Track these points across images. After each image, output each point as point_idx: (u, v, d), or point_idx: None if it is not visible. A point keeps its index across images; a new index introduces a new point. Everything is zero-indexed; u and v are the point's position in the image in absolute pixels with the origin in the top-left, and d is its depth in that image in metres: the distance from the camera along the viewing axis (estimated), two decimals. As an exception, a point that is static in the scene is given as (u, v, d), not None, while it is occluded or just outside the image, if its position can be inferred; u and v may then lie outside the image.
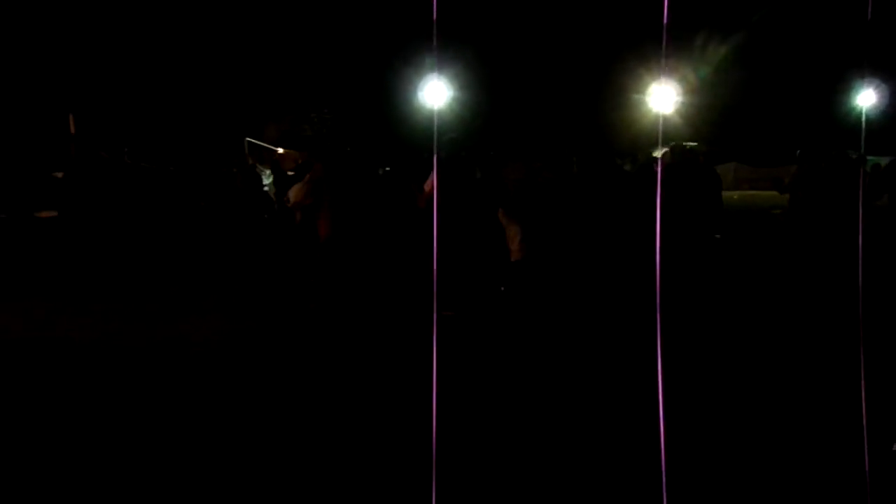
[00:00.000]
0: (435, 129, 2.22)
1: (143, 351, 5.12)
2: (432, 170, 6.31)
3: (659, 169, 4.98)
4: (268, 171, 12.35)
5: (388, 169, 9.22)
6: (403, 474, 3.09)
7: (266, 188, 11.76)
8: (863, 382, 2.10)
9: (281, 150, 16.77)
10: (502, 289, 6.26)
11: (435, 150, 2.37)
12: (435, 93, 2.25)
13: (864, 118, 2.56)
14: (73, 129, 15.44)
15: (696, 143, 9.40)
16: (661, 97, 2.65)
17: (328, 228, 6.26)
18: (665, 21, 2.12)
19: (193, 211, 10.99)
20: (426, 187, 6.02)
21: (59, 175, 12.00)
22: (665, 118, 2.63)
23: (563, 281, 6.12)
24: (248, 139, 17.21)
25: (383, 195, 6.86)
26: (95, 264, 8.35)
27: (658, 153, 6.80)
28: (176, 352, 5.09)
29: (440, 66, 2.24)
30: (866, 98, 2.54)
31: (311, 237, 6.35)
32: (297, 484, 3.08)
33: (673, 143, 7.24)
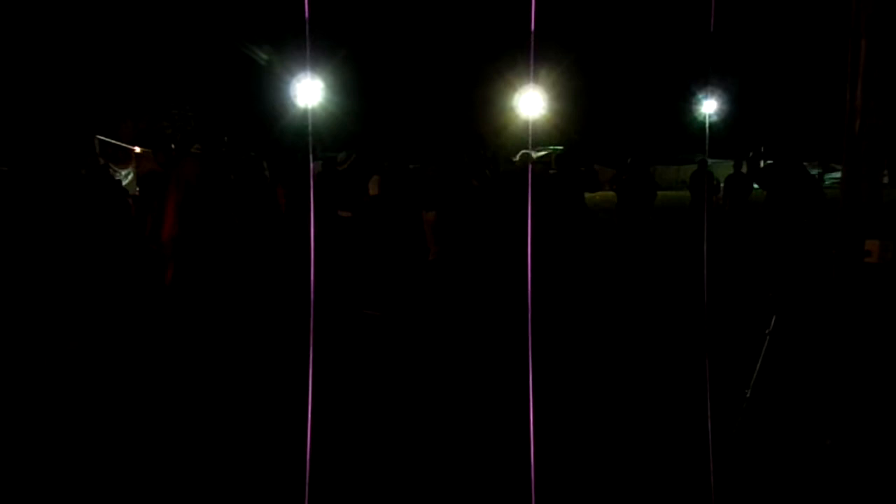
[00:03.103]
0: (309, 128, 2.16)
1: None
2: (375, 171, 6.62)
3: (530, 174, 5.21)
4: (124, 172, 11.46)
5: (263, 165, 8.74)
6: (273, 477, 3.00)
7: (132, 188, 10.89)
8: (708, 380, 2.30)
9: (138, 150, 15.59)
10: (423, 288, 6.31)
11: (310, 150, 2.31)
12: (308, 93, 2.20)
13: (707, 125, 2.82)
14: None
15: (561, 147, 9.87)
16: (529, 102, 2.76)
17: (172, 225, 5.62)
18: (532, 28, 2.20)
19: (32, 215, 9.87)
20: (371, 189, 6.30)
21: None
22: (533, 122, 2.74)
23: (469, 280, 6.28)
24: (100, 137, 15.82)
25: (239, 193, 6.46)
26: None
27: (516, 158, 6.98)
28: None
29: (314, 67, 2.19)
30: (709, 106, 2.80)
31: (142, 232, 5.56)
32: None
33: (523, 152, 7.42)
